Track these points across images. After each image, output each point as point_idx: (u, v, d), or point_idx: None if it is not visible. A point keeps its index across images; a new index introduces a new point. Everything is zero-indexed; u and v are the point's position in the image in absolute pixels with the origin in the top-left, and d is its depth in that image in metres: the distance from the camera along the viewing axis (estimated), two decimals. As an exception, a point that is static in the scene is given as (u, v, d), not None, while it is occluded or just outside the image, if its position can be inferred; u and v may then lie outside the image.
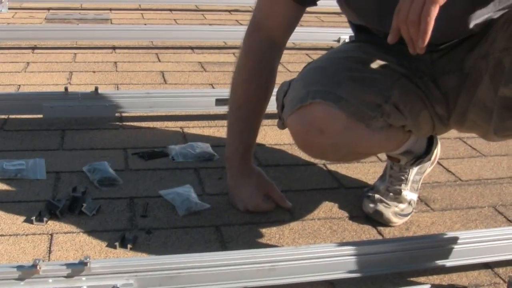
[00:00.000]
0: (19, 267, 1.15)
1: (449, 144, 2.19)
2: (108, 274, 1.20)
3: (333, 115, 1.37)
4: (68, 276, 1.17)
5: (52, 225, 1.52)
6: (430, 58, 1.44)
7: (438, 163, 1.98)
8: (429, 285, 1.27)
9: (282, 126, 1.53)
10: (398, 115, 1.42)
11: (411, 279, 1.41)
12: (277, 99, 1.56)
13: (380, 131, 1.44)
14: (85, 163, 1.83)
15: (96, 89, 2.18)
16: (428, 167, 1.71)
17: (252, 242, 1.52)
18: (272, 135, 2.16)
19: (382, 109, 1.40)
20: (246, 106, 1.62)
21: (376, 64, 1.47)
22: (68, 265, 1.18)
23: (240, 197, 1.65)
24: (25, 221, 1.53)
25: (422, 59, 1.41)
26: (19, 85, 2.50)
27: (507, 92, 1.30)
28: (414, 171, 1.65)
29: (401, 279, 1.40)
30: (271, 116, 1.80)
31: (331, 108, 1.37)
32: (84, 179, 1.75)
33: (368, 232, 1.60)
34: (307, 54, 3.26)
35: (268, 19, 1.56)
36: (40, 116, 2.13)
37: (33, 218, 1.52)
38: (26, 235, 1.47)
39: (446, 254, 1.41)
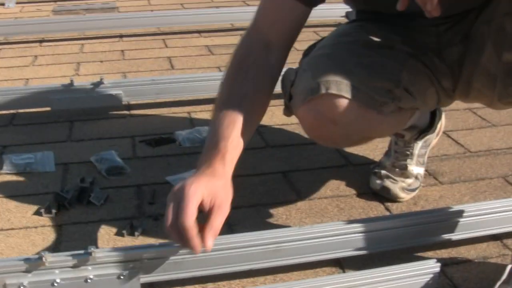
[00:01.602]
0: (26, 260, 1.17)
1: (458, 115, 2.16)
2: (113, 262, 1.21)
3: (346, 106, 1.32)
4: (74, 267, 1.19)
5: (61, 217, 1.54)
6: (436, 31, 1.41)
7: (447, 135, 1.97)
8: (435, 260, 1.26)
9: (288, 113, 1.48)
10: (409, 98, 1.39)
11: (419, 254, 1.40)
12: (283, 88, 1.49)
13: (391, 115, 1.40)
14: (93, 153, 1.84)
15: (102, 79, 2.19)
16: (434, 139, 1.69)
17: (259, 224, 1.53)
18: (279, 115, 2.14)
19: (393, 94, 1.37)
20: (232, 102, 1.33)
21: (381, 44, 1.44)
22: (74, 256, 1.19)
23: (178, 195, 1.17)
24: (35, 213, 1.55)
25: (428, 32, 1.38)
26: (28, 79, 2.52)
27: (511, 57, 1.27)
28: (419, 145, 1.64)
29: (409, 254, 1.40)
30: (278, 96, 1.77)
31: (343, 98, 1.32)
32: (92, 169, 1.77)
33: (375, 209, 1.59)
34: (314, 32, 3.22)
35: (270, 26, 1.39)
36: (48, 108, 2.15)
37: (42, 210, 1.54)
38: (36, 227, 1.50)
39: (453, 228, 1.40)
